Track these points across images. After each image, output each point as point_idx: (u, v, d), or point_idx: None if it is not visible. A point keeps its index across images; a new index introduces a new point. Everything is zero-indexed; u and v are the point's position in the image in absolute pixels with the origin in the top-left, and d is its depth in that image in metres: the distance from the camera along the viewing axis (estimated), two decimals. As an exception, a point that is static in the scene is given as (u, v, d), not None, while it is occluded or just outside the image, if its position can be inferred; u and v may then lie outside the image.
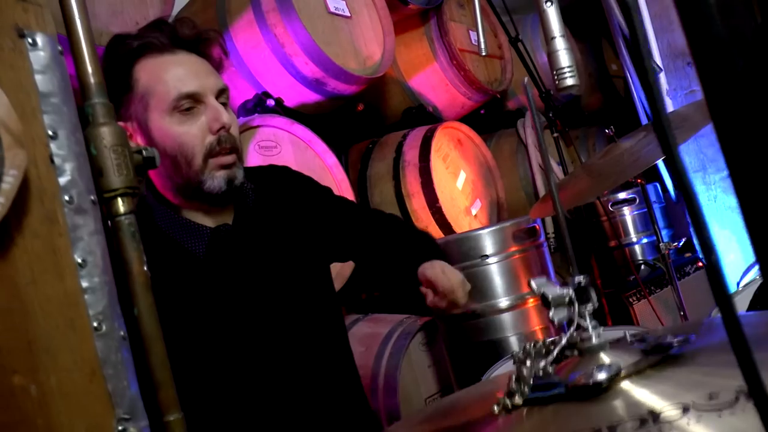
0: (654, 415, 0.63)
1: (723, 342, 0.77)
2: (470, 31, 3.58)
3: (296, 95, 2.72)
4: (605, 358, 0.75)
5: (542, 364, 0.75)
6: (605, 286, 2.79)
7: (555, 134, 2.58)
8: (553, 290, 0.77)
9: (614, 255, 3.19)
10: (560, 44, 0.89)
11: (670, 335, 0.75)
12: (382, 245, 1.64)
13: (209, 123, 1.36)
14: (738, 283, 2.84)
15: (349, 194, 2.69)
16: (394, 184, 3.02)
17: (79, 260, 0.71)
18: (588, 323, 0.77)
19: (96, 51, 0.82)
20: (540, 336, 2.40)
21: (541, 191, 3.49)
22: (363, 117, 3.33)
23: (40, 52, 0.73)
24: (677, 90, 3.10)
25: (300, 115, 2.76)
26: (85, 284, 0.71)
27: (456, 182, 3.19)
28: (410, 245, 1.63)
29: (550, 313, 0.77)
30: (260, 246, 1.47)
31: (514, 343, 2.41)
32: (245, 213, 1.48)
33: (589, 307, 0.76)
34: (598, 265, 2.94)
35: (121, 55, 1.36)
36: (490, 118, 3.88)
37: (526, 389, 0.74)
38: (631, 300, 2.63)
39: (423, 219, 2.98)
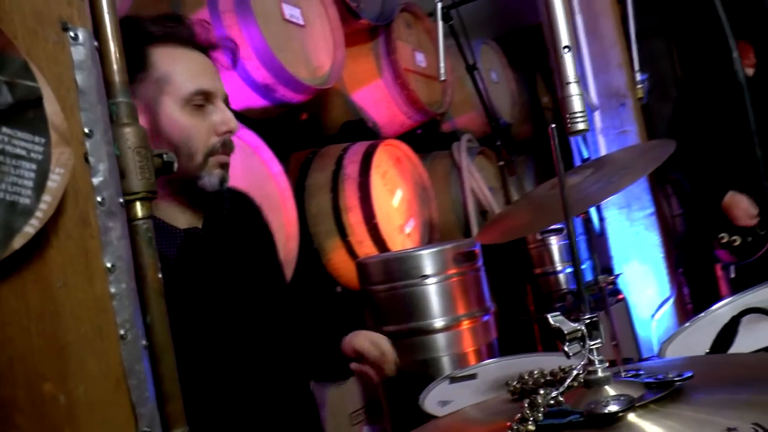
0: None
1: (720, 380, 0.83)
2: (416, 52, 3.64)
3: (243, 99, 2.69)
4: (610, 390, 0.79)
5: (554, 393, 0.78)
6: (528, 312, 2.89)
7: (501, 162, 2.65)
8: (568, 325, 0.81)
9: (539, 282, 3.31)
10: (575, 89, 0.94)
11: (669, 371, 0.80)
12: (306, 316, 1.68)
13: (217, 125, 1.38)
14: (653, 316, 3.02)
15: (291, 203, 2.68)
16: (332, 197, 3.01)
17: (109, 265, 0.69)
18: (596, 357, 0.81)
19: (123, 49, 0.80)
20: (472, 357, 2.46)
21: (472, 214, 3.58)
22: (303, 126, 3.32)
23: (81, 47, 0.71)
24: (609, 129, 3.27)
25: (244, 119, 2.73)
26: (113, 290, 0.69)
27: (392, 200, 3.22)
28: (333, 316, 1.70)
29: (565, 347, 0.81)
30: (228, 253, 1.48)
31: (446, 363, 2.45)
32: (217, 218, 1.49)
33: (598, 342, 0.81)
34: (528, 292, 3.05)
35: (138, 36, 1.35)
36: (425, 138, 3.94)
37: (540, 416, 0.77)
38: (557, 327, 2.74)
39: (358, 234, 2.99)
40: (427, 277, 2.43)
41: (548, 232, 3.30)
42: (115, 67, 0.79)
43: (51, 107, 0.64)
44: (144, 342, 0.71)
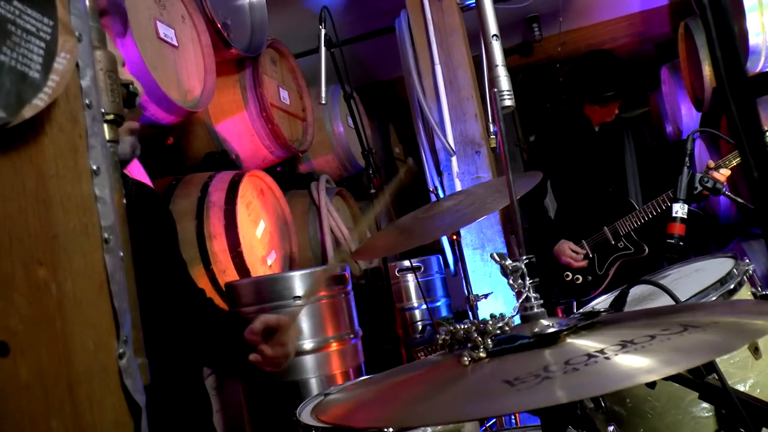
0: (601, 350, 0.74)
1: (630, 317, 0.94)
2: (280, 88, 3.70)
3: (109, 115, 2.60)
4: (545, 322, 0.87)
5: (500, 323, 0.85)
6: (396, 342, 2.98)
7: (372, 190, 2.74)
8: (512, 263, 0.89)
9: (395, 315, 3.40)
10: (502, 71, 1.04)
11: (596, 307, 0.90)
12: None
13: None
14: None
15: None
16: (196, 224, 2.94)
17: (94, 167, 0.67)
18: (532, 294, 0.89)
19: (93, -27, 0.79)
20: (340, 379, 2.47)
21: (330, 252, 3.63)
22: (167, 152, 3.24)
23: (72, -48, 0.70)
24: (465, 174, 3.49)
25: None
26: (98, 192, 0.67)
27: (256, 230, 3.21)
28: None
29: (509, 280, 0.89)
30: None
31: (314, 385, 2.45)
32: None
33: (535, 280, 0.90)
34: (390, 323, 3.13)
35: None
36: (284, 176, 3.98)
37: (490, 343, 0.83)
38: (419, 355, 2.86)
39: (222, 262, 2.93)
40: (299, 298, 2.43)
41: (405, 270, 3.42)
42: (85, -10, 0.78)
43: (55, -4, 0.63)
44: (121, 254, 0.69)
